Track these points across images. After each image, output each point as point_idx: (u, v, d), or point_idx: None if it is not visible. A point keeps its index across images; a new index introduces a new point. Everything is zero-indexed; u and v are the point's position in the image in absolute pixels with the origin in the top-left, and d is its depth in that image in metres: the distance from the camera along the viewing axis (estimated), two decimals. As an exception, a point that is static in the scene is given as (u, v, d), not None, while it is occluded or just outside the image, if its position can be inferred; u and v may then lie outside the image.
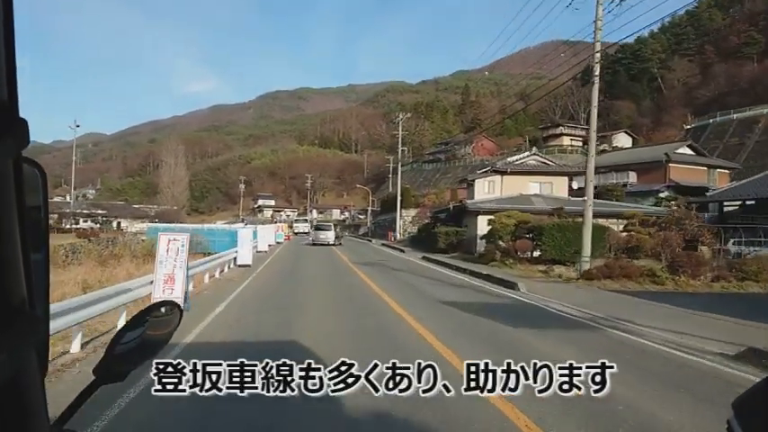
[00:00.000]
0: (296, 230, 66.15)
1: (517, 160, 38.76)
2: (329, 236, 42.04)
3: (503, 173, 37.70)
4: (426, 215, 46.03)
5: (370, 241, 53.05)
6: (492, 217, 30.12)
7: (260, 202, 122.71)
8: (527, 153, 39.92)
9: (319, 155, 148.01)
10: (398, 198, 54.60)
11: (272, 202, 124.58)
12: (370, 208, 78.32)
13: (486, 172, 39.00)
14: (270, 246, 38.14)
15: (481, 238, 30.65)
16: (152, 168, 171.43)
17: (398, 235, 53.60)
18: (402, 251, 37.08)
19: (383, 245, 45.72)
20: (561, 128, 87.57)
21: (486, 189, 38.26)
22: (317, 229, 43.71)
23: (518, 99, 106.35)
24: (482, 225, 33.77)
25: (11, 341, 0.78)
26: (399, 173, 57.39)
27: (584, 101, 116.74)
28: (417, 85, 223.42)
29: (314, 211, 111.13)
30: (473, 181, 38.34)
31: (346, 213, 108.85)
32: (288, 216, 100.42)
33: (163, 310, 1.39)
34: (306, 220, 72.30)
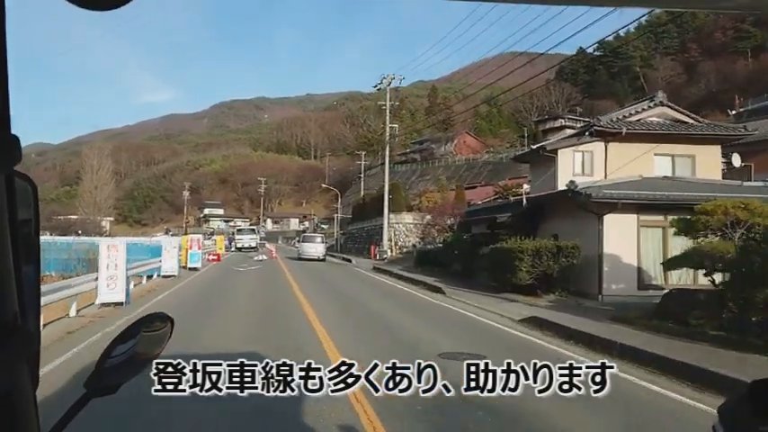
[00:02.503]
0: (238, 245, 45.22)
1: (631, 115, 19.85)
2: (319, 249, 32.95)
3: (610, 135, 18.79)
4: (446, 221, 26.30)
5: (349, 261, 32.92)
6: (691, 217, 11.10)
7: (206, 211, 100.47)
8: (646, 101, 20.89)
9: (275, 160, 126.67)
10: (386, 198, 35.08)
11: (221, 211, 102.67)
12: (338, 215, 58.28)
13: (577, 135, 19.95)
14: (165, 279, 17.93)
15: (677, 259, 11.55)
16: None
17: (389, 251, 33.95)
18: (437, 290, 17.25)
19: (376, 269, 25.77)
20: (562, 120, 70.13)
21: (578, 166, 19.27)
22: (305, 241, 34.94)
23: (484, 101, 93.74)
24: (621, 236, 14.81)
25: (3, 355, 0.73)
26: (387, 160, 37.65)
27: (562, 100, 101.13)
28: (377, 93, 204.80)
29: (268, 220, 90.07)
30: (554, 151, 19.26)
31: (306, 223, 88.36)
32: (233, 225, 78.44)
33: (155, 323, 1.27)
34: (253, 230, 50.93)
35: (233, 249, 45.19)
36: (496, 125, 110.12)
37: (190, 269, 22.16)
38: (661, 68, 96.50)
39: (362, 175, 62.77)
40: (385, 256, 33.51)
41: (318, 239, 35.16)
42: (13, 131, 0.71)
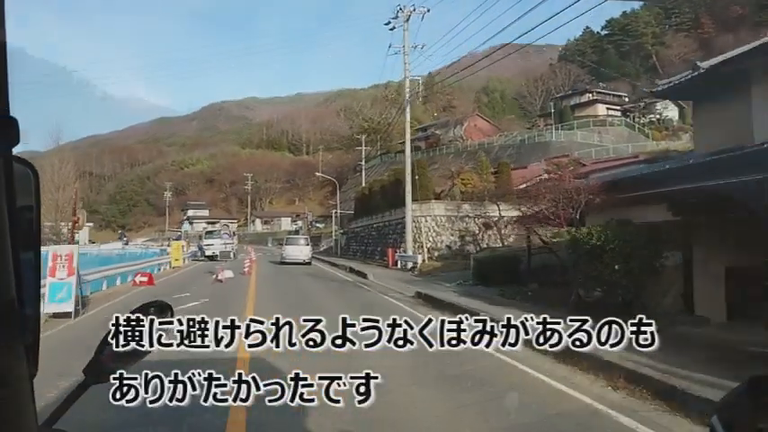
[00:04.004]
0: (208, 252, 33.02)
1: None
2: (304, 252, 28.82)
3: None
4: (554, 204, 14.44)
5: (364, 276, 20.67)
6: None
7: (189, 212, 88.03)
8: None
9: (265, 156, 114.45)
10: (408, 179, 23.42)
11: (206, 212, 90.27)
12: (336, 211, 46.46)
13: None
14: None
15: None
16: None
17: (419, 257, 22.25)
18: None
19: (420, 296, 13.92)
20: (590, 95, 59.11)
21: None
22: (288, 243, 30.53)
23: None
24: None
25: None
26: (408, 127, 25.98)
27: (568, 82, 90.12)
28: (369, 89, 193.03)
29: (257, 220, 78.08)
30: None
31: (299, 222, 76.56)
32: (207, 226, 65.76)
33: (153, 310, 1.24)
34: (226, 233, 38.55)
35: (203, 258, 33.29)
36: (500, 111, 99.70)
37: (52, 317, 10.40)
38: (674, 45, 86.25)
39: (363, 163, 51.07)
40: (412, 264, 21.84)
41: (302, 242, 31.17)
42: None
